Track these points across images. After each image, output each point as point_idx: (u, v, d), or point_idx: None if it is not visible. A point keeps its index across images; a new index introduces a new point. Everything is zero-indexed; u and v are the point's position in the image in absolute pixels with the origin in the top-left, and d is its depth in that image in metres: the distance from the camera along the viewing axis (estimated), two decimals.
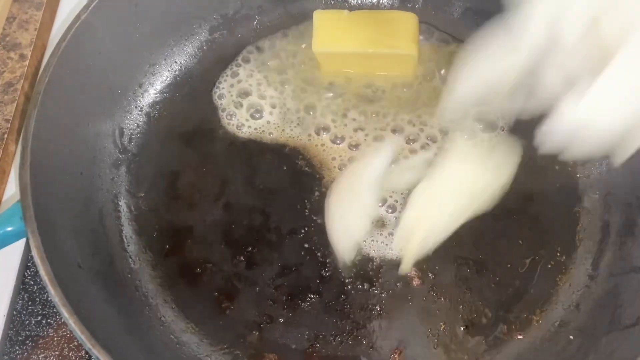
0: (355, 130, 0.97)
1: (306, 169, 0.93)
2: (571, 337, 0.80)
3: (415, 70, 1.01)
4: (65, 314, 0.66)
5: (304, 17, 1.06)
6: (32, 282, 0.91)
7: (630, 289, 0.80)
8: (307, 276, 0.86)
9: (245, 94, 0.99)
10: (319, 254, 0.87)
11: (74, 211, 0.83)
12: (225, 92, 1.00)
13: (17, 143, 0.98)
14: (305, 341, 0.82)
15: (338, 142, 0.96)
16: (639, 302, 0.76)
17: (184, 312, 0.84)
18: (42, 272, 0.68)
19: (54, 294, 0.67)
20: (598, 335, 0.78)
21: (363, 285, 0.85)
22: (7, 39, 1.09)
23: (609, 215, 0.89)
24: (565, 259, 0.88)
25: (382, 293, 0.84)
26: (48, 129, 0.80)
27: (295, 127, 0.97)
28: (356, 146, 0.95)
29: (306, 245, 0.88)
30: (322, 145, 0.96)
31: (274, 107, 0.99)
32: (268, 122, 0.97)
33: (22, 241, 0.83)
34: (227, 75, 1.01)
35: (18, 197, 0.74)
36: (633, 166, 0.88)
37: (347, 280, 0.85)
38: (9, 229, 0.74)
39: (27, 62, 1.08)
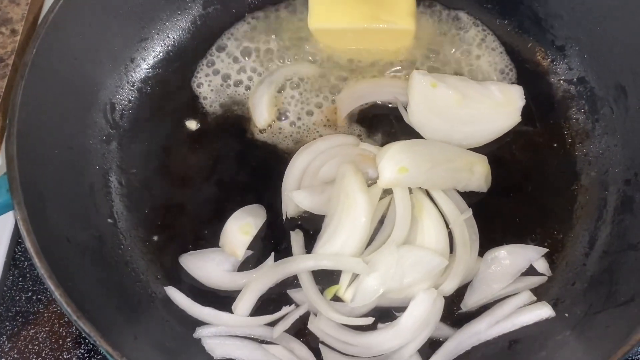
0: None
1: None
2: (567, 314, 0.79)
3: (412, 43, 0.99)
4: (51, 285, 0.65)
5: None
6: (23, 259, 0.91)
7: (626, 266, 0.78)
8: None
9: (233, 68, 0.98)
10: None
11: (64, 185, 0.82)
12: (212, 68, 0.98)
13: None
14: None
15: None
16: (634, 280, 0.75)
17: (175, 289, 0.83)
18: (28, 244, 0.67)
19: (40, 266, 0.66)
20: (594, 312, 0.77)
21: None
22: None
23: (606, 192, 0.88)
24: (562, 237, 0.87)
25: None
26: (35, 101, 0.79)
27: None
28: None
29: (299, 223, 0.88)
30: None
31: (262, 82, 0.97)
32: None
33: (13, 218, 0.82)
34: (214, 51, 0.99)
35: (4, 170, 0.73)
36: (631, 143, 0.87)
37: None
38: None
39: (18, 37, 1.06)
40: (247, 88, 0.97)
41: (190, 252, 0.85)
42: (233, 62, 0.99)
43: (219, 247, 0.85)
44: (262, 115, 0.94)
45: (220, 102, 0.96)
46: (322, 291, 0.82)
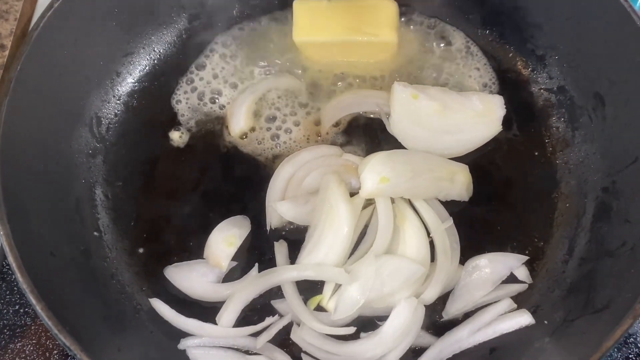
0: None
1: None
2: (546, 322, 0.80)
3: (394, 55, 1.01)
4: (33, 300, 0.66)
5: (283, 5, 1.05)
6: (10, 272, 0.91)
7: (603, 273, 0.79)
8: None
9: (217, 81, 0.99)
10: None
11: (49, 199, 0.83)
12: (197, 81, 0.99)
13: None
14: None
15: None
16: (611, 286, 0.76)
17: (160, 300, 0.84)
18: (10, 258, 0.68)
19: (22, 280, 0.67)
20: (572, 319, 0.78)
21: None
22: None
23: (585, 200, 0.89)
24: (542, 245, 0.88)
25: None
26: (20, 116, 0.80)
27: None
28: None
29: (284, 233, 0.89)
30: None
31: (244, 91, 0.98)
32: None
33: None
34: (199, 64, 1.00)
35: None
36: (609, 151, 0.88)
37: None
38: None
39: (6, 52, 1.07)
40: (222, 107, 0.98)
41: (175, 264, 0.86)
42: (212, 78, 1.00)
43: (204, 258, 0.86)
44: (238, 124, 0.95)
45: (196, 119, 0.97)
46: (305, 301, 0.83)
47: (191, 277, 0.85)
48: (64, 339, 0.65)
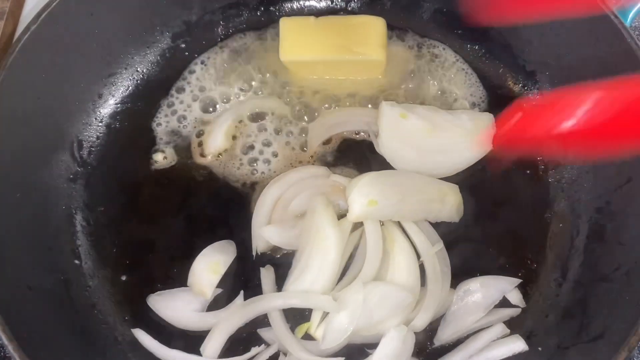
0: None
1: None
2: (540, 348, 0.78)
3: (383, 73, 0.99)
4: (5, 339, 0.63)
5: (269, 22, 1.03)
6: None
7: (597, 298, 0.77)
8: None
9: (197, 104, 0.97)
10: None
11: (26, 229, 0.81)
12: (177, 104, 0.97)
13: None
14: None
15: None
16: (605, 313, 0.74)
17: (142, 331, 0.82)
18: None
19: None
20: (566, 346, 0.76)
21: None
22: None
23: (579, 220, 0.87)
24: (536, 267, 0.86)
25: None
26: None
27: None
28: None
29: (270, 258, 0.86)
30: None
31: (227, 110, 0.96)
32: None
33: None
34: (179, 87, 0.98)
35: None
36: (603, 171, 0.86)
37: None
38: None
39: None
40: (201, 132, 0.96)
41: (159, 292, 0.83)
42: (192, 101, 0.97)
43: (188, 285, 0.84)
44: (214, 141, 0.93)
45: (176, 143, 0.95)
46: (293, 329, 0.80)
47: (175, 306, 0.82)
48: None
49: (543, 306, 0.83)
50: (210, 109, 0.97)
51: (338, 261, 0.81)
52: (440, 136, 0.90)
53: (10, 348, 0.63)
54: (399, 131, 0.90)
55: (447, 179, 0.90)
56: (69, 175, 0.90)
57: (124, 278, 0.86)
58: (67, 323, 0.78)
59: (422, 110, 0.92)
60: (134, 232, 0.89)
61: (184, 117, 0.96)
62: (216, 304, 0.84)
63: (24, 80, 0.84)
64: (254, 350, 0.79)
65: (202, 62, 1.00)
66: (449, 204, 0.87)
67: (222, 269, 0.83)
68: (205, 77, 1.00)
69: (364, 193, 0.84)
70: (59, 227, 0.87)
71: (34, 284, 0.76)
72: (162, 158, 0.94)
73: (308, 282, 0.80)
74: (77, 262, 0.86)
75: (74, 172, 0.91)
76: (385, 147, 0.91)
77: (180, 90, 0.98)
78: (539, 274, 0.85)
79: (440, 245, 0.84)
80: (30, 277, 0.76)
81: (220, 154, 0.93)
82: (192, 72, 1.00)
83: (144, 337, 0.80)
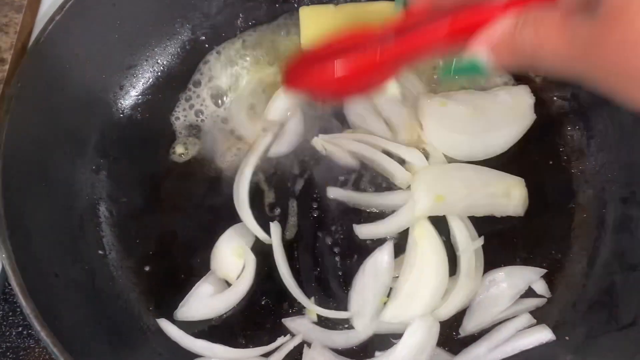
0: None
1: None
2: (567, 338, 0.78)
3: None
4: (37, 325, 0.63)
5: (289, 13, 1.03)
6: (13, 293, 0.89)
7: (627, 287, 0.77)
8: None
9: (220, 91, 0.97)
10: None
11: (52, 218, 0.80)
12: (196, 95, 0.97)
13: None
14: None
15: None
16: (636, 301, 0.74)
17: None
18: (13, 282, 0.66)
19: (25, 305, 0.65)
20: (595, 335, 0.75)
21: None
22: None
23: (604, 211, 0.86)
24: (560, 257, 0.86)
25: None
26: (22, 134, 0.78)
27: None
28: None
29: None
30: None
31: (251, 108, 0.96)
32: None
33: None
34: (195, 81, 0.98)
35: None
36: (627, 160, 0.86)
37: None
38: None
39: (7, 67, 1.05)
40: (225, 120, 0.96)
41: (181, 304, 0.82)
42: (207, 94, 0.97)
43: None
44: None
45: (195, 136, 0.94)
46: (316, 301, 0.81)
47: (199, 304, 0.82)
48: None
49: (570, 296, 0.82)
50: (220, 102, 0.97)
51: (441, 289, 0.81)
52: (484, 117, 0.90)
53: (42, 334, 0.63)
54: (442, 120, 0.90)
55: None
56: (91, 166, 0.90)
57: (147, 269, 0.86)
58: (93, 312, 0.78)
59: (459, 95, 0.92)
60: (156, 223, 0.89)
61: (201, 112, 0.96)
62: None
63: (47, 72, 0.84)
64: (280, 340, 0.79)
65: (220, 54, 1.00)
66: (516, 198, 0.86)
67: (245, 253, 0.83)
68: (223, 69, 0.99)
69: (431, 187, 0.83)
70: (83, 217, 0.86)
71: (60, 273, 0.76)
72: (184, 149, 0.94)
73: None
74: (101, 252, 0.86)
75: (97, 164, 0.91)
76: (432, 138, 0.90)
77: (197, 83, 0.98)
78: (564, 264, 0.85)
79: (480, 241, 0.83)
80: (56, 265, 0.76)
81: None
82: (209, 64, 1.00)
83: (169, 327, 0.80)
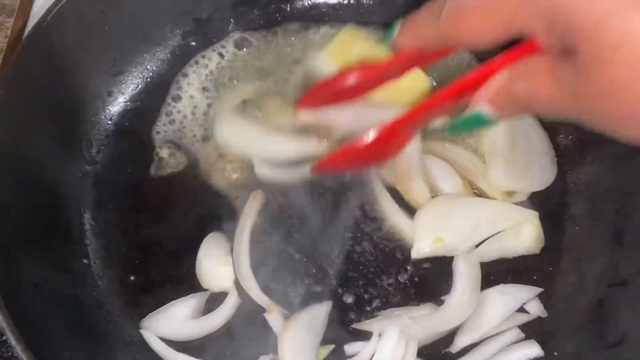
0: None
1: None
2: (556, 354, 0.76)
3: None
4: (13, 340, 0.62)
5: (281, 21, 1.02)
6: None
7: (616, 303, 0.75)
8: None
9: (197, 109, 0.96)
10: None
11: (35, 227, 0.80)
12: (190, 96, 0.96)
13: None
14: None
15: None
16: (624, 318, 0.72)
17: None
18: None
19: (2, 319, 0.64)
20: (583, 351, 0.74)
21: None
22: None
23: (596, 223, 0.85)
24: (552, 270, 0.84)
25: None
26: (8, 138, 0.77)
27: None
28: None
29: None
30: None
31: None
32: None
33: None
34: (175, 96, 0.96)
35: None
36: (621, 171, 0.84)
37: None
38: None
39: None
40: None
41: (149, 315, 0.80)
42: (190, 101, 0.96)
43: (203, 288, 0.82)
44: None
45: (180, 144, 0.93)
46: None
47: (171, 323, 0.79)
48: None
49: (560, 310, 0.81)
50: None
51: None
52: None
53: (18, 349, 0.62)
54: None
55: None
56: (77, 174, 0.90)
57: (132, 278, 0.85)
58: (75, 323, 0.77)
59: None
60: (142, 232, 0.88)
61: (186, 117, 0.95)
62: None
63: (34, 77, 0.83)
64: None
65: (204, 62, 0.99)
66: (527, 236, 0.83)
67: (230, 260, 0.82)
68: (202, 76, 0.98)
69: (429, 229, 0.82)
70: (68, 226, 0.86)
71: (41, 283, 0.75)
72: (169, 157, 0.92)
73: None
74: (85, 261, 0.85)
75: (83, 171, 0.90)
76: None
77: (177, 98, 0.96)
78: (555, 278, 0.83)
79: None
80: (37, 275, 0.75)
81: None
82: (185, 75, 0.98)
83: (152, 339, 0.79)
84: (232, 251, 0.84)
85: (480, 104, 0.54)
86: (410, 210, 0.86)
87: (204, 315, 0.81)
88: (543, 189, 0.87)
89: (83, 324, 0.78)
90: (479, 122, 0.56)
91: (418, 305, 0.81)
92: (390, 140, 0.67)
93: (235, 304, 0.81)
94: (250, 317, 0.81)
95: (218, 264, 0.83)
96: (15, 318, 0.64)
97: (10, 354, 0.83)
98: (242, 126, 0.89)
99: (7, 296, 0.66)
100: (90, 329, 0.78)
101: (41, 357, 0.63)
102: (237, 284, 0.82)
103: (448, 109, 0.61)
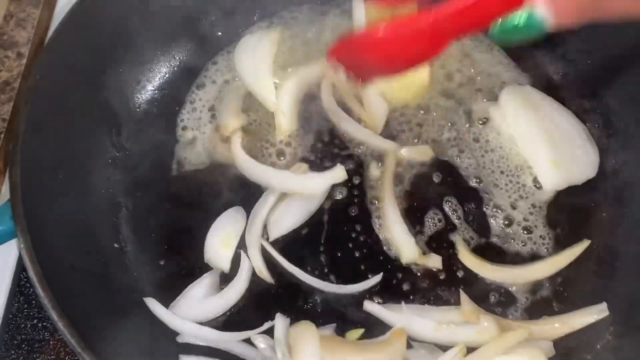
0: None
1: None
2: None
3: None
4: (54, 316, 0.63)
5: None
6: (28, 285, 0.89)
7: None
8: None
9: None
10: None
11: (68, 210, 0.80)
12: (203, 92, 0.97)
13: None
14: None
15: None
16: None
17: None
18: (31, 272, 0.66)
19: (43, 295, 0.65)
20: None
21: None
22: (5, 37, 1.06)
23: (623, 209, 0.85)
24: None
25: None
26: (39, 127, 0.78)
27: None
28: None
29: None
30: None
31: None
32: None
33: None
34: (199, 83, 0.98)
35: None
36: None
37: None
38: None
39: (24, 61, 1.05)
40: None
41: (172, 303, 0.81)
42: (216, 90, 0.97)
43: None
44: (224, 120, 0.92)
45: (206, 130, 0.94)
46: None
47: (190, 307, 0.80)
48: (87, 357, 0.62)
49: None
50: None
51: None
52: None
53: (60, 325, 0.63)
54: None
55: None
56: (108, 159, 0.91)
57: (162, 262, 0.86)
58: (108, 305, 0.78)
59: None
60: (172, 217, 0.89)
61: (213, 107, 0.96)
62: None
63: (64, 64, 0.84)
64: (267, 325, 0.77)
65: (229, 53, 1.00)
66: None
67: (234, 241, 0.83)
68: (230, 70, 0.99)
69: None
70: (99, 211, 0.86)
71: (76, 265, 0.76)
72: (194, 145, 0.93)
73: None
74: (116, 245, 0.86)
75: (113, 157, 0.91)
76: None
77: (201, 86, 0.98)
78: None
79: None
80: (72, 257, 0.76)
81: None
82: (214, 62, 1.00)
83: (156, 307, 0.79)
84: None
85: (539, 3, 0.49)
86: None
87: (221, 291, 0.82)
88: (595, 174, 0.87)
89: (116, 306, 0.79)
90: (531, 27, 0.50)
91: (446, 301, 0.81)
92: (421, 36, 0.56)
93: (248, 275, 0.81)
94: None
95: (220, 242, 0.84)
96: (56, 296, 0.65)
97: (41, 335, 0.85)
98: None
99: (47, 275, 0.67)
100: (124, 311, 0.79)
101: (80, 334, 0.64)
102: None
103: (495, 13, 0.52)
